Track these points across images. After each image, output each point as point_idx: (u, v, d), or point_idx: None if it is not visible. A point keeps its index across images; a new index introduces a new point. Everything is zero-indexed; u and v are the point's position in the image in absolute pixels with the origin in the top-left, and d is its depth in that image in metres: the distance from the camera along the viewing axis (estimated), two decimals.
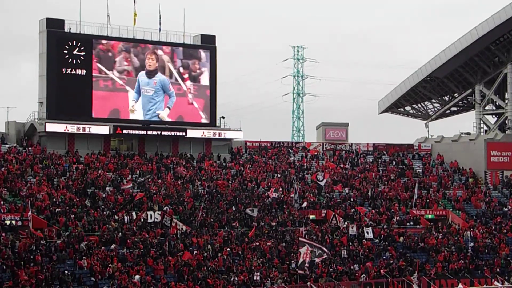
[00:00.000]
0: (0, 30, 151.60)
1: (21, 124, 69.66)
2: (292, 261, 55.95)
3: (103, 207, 59.26)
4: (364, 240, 62.34)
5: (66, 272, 48.28)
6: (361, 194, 71.69)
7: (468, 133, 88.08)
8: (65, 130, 67.83)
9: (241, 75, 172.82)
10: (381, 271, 57.98)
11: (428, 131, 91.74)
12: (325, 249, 55.44)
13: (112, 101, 70.74)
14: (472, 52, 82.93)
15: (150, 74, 72.27)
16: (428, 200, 72.48)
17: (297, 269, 54.77)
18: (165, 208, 60.62)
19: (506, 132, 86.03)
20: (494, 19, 78.99)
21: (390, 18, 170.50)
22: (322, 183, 70.63)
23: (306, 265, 54.16)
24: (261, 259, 56.25)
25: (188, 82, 74.47)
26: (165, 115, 72.79)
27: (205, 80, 75.34)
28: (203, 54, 75.39)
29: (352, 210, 67.96)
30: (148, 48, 72.38)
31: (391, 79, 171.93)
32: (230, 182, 68.94)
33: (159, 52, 72.78)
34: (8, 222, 53.07)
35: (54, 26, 68.31)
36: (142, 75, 71.92)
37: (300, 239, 55.99)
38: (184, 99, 74.29)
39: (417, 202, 71.20)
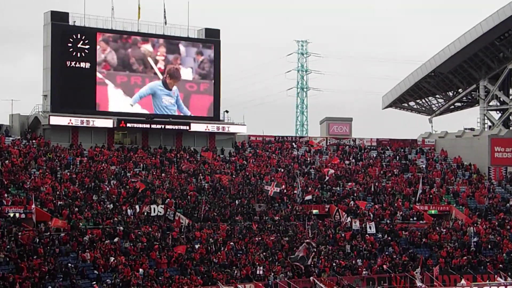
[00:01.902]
0: (5, 22, 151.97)
1: (25, 117, 69.69)
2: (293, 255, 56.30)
3: (103, 197, 59.34)
4: (367, 235, 62.41)
5: (69, 265, 48.41)
6: (365, 189, 71.72)
7: (472, 129, 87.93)
8: (69, 123, 67.89)
9: (245, 69, 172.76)
10: (384, 266, 58.10)
11: (432, 126, 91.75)
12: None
13: None
14: (477, 48, 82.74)
15: (168, 88, 72.84)
16: (431, 196, 72.46)
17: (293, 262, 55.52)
18: (166, 201, 60.73)
19: (510, 128, 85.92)
20: (499, 14, 78.75)
21: (394, 13, 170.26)
22: (326, 178, 70.94)
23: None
24: (264, 253, 56.36)
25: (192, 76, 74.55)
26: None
27: (209, 74, 75.27)
28: (207, 48, 75.38)
29: (351, 203, 68.05)
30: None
31: (395, 74, 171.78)
32: (233, 176, 69.00)
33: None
34: (11, 215, 53.17)
35: (58, 19, 68.27)
36: (158, 86, 72.15)
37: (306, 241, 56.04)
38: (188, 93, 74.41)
39: (421, 198, 71.23)
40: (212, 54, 75.27)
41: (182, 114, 73.40)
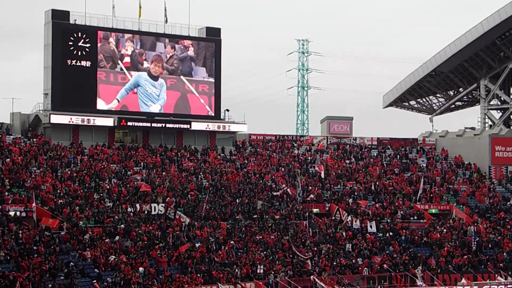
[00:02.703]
0: (6, 21, 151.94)
1: (25, 115, 69.71)
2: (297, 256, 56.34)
3: (103, 196, 59.30)
4: (367, 234, 62.41)
5: (70, 263, 48.43)
6: (365, 188, 71.70)
7: (473, 128, 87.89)
8: (69, 121, 67.86)
9: (246, 68, 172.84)
10: (384, 265, 58.11)
11: (432, 125, 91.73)
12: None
13: None
14: (478, 47, 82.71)
15: (154, 78, 72.41)
16: (432, 195, 72.45)
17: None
18: (166, 200, 60.72)
19: (511, 127, 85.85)
20: (500, 13, 78.72)
21: (396, 12, 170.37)
22: (322, 175, 71.02)
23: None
24: (264, 252, 56.36)
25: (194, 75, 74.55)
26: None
27: (210, 72, 75.27)
28: (208, 46, 75.37)
29: (350, 200, 68.06)
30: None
31: (396, 73, 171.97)
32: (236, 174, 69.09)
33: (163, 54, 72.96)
34: (12, 213, 53.17)
35: (59, 18, 68.27)
36: (142, 76, 71.73)
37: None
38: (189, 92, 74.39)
39: (422, 197, 71.23)
40: (213, 53, 75.25)
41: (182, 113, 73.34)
